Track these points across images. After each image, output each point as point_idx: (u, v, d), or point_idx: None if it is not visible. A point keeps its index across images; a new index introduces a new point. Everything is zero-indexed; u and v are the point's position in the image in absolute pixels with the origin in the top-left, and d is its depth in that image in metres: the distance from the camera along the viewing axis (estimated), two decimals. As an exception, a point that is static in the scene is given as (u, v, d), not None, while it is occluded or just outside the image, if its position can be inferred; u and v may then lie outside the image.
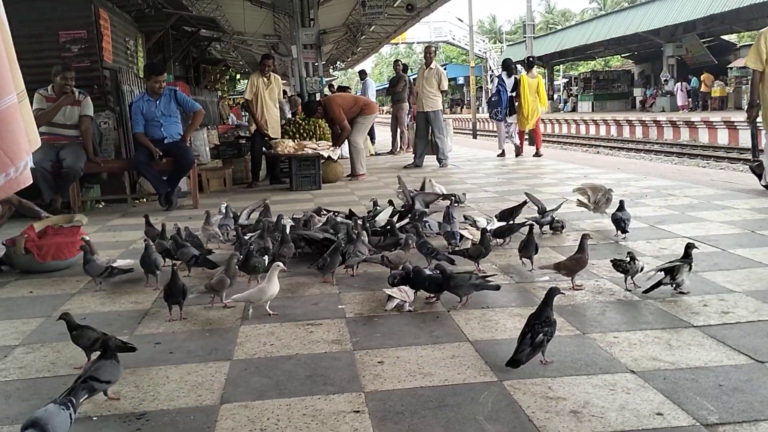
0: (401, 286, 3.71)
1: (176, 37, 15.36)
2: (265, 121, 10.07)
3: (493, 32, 77.15)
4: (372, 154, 15.21)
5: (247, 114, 13.02)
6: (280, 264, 3.76)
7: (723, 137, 21.71)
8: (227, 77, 28.49)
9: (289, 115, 13.53)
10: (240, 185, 10.45)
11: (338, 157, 10.43)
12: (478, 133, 34.61)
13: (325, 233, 4.94)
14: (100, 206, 8.76)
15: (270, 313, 3.67)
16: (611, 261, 3.94)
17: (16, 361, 3.18)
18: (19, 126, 1.98)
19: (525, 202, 5.71)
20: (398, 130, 15.55)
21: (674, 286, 3.67)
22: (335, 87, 19.43)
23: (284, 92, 17.06)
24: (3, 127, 1.94)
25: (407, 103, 14.98)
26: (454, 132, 19.82)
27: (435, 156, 11.86)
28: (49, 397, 2.71)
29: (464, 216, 5.69)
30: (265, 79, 10.19)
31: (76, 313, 3.88)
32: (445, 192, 6.64)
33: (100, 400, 2.67)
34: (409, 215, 5.62)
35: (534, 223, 5.07)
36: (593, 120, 31.63)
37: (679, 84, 31.51)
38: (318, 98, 14.96)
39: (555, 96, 46.42)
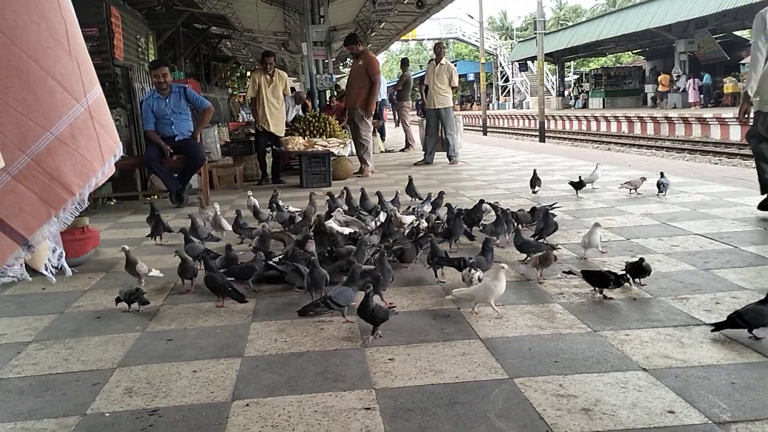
0: None
1: (187, 35, 15.41)
2: (266, 119, 10.02)
3: (504, 29, 76.93)
4: (382, 151, 15.20)
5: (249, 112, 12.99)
6: (505, 266, 3.55)
7: (735, 134, 21.53)
8: (238, 74, 28.57)
9: (296, 112, 13.44)
10: (250, 182, 10.47)
11: (348, 154, 10.43)
12: (488, 129, 34.61)
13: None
14: (112, 203, 8.80)
15: (497, 312, 3.47)
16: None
17: (30, 358, 3.20)
18: (108, 111, 2.05)
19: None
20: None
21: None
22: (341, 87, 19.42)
23: (292, 89, 17.02)
24: (104, 110, 1.98)
25: (410, 101, 14.97)
26: (465, 128, 19.76)
27: (445, 153, 11.84)
28: (62, 393, 2.74)
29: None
30: (268, 77, 10.10)
31: (89, 310, 3.93)
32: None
33: (112, 396, 2.69)
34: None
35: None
36: (604, 116, 31.47)
37: (690, 81, 31.35)
38: (327, 95, 14.98)
39: (565, 92, 46.29)
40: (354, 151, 11.05)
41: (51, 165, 1.80)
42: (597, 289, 3.69)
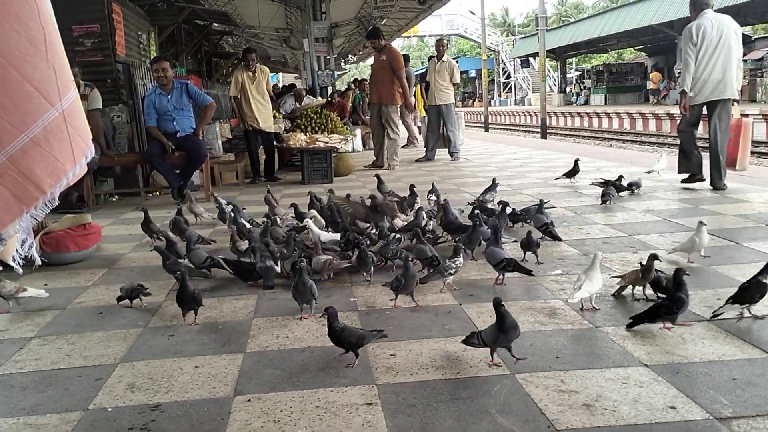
0: None
1: (188, 31, 15.41)
2: (254, 117, 9.85)
3: (506, 25, 76.82)
4: None
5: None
6: (600, 254, 3.51)
7: (737, 130, 21.50)
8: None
9: (290, 108, 13.36)
10: (246, 179, 10.44)
11: (351, 150, 10.42)
12: (490, 126, 34.58)
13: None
14: (114, 200, 8.81)
15: (595, 308, 3.42)
16: None
17: (32, 353, 3.21)
18: (83, 115, 2.12)
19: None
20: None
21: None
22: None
23: (293, 85, 17.00)
24: (78, 114, 2.06)
25: (413, 98, 14.94)
26: (466, 125, 19.73)
27: (447, 149, 11.83)
28: (65, 388, 2.74)
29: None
30: (251, 74, 9.91)
31: (91, 306, 3.93)
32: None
33: (115, 391, 2.70)
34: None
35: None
36: (606, 113, 31.45)
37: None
38: (330, 91, 14.91)
39: (567, 89, 46.21)
40: (356, 147, 11.05)
41: (25, 165, 1.90)
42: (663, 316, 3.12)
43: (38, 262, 2.15)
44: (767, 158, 16.23)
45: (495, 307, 2.74)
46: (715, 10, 7.01)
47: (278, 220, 5.53)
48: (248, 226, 5.26)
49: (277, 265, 4.15)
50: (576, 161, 7.83)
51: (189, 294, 3.47)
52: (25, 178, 1.90)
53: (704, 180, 6.99)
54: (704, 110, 6.98)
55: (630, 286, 3.61)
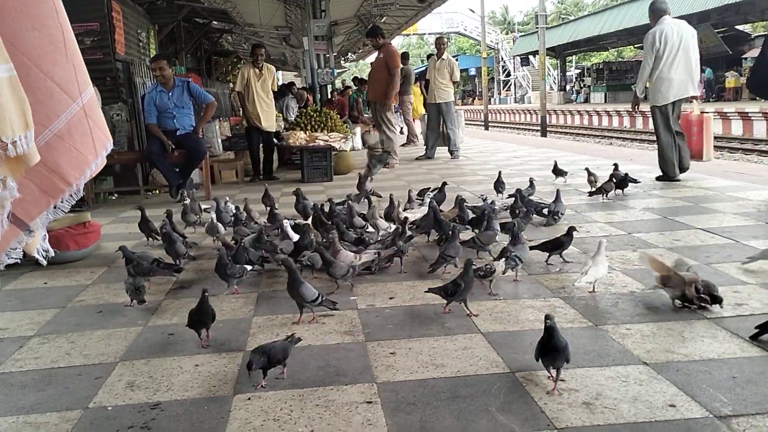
0: None
1: (188, 29, 15.41)
2: (257, 115, 9.84)
3: (506, 23, 76.77)
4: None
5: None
6: (604, 241, 3.67)
7: (737, 128, 21.52)
8: (239, 69, 28.55)
9: (294, 115, 13.34)
10: (246, 177, 10.43)
11: (350, 149, 10.41)
12: (490, 124, 34.58)
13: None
14: (113, 198, 8.80)
15: (594, 290, 3.62)
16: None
17: (32, 352, 3.21)
18: (100, 109, 2.21)
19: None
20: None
21: None
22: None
23: (292, 83, 16.98)
24: (96, 108, 2.13)
25: (411, 95, 14.96)
26: (466, 123, 19.74)
27: (447, 147, 11.82)
28: (65, 387, 2.74)
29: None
30: (257, 70, 9.88)
31: (91, 305, 3.93)
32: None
33: (115, 390, 2.70)
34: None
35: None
36: (606, 111, 31.44)
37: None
38: (330, 89, 14.87)
39: (567, 87, 46.19)
40: (356, 145, 11.05)
41: (50, 159, 1.95)
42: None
43: (51, 253, 2.22)
44: (767, 156, 16.22)
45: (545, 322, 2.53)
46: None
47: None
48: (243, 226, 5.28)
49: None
50: (555, 162, 8.04)
51: (208, 312, 3.18)
52: (51, 172, 1.97)
53: (680, 181, 7.35)
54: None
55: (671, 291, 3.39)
